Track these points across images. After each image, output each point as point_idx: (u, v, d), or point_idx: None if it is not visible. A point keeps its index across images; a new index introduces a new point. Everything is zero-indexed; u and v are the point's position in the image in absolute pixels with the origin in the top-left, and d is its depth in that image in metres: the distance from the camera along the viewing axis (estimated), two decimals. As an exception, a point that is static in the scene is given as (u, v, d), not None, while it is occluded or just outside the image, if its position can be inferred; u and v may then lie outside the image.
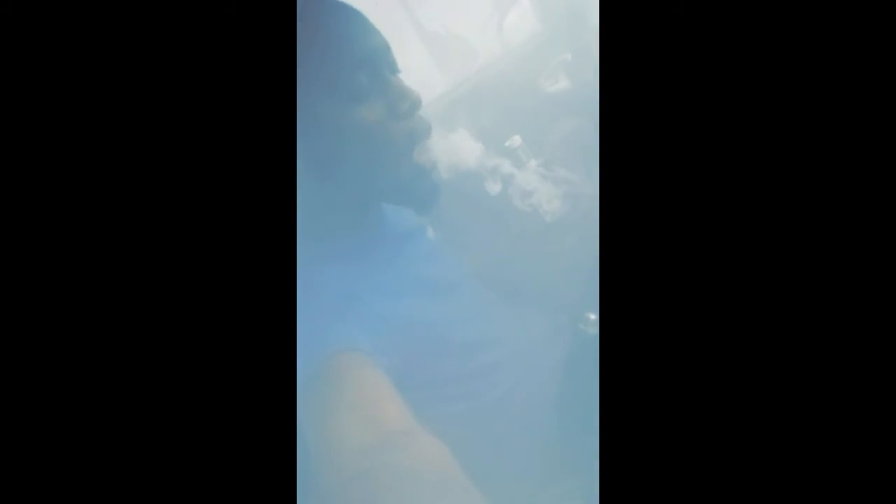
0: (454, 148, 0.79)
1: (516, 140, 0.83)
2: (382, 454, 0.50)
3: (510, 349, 0.74)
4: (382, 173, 0.67)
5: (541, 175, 0.78)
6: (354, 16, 0.67)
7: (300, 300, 0.61)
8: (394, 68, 0.68)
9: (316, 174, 0.67)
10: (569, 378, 0.73)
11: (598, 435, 0.43)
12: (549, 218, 0.74)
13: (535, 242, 0.79)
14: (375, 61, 0.66)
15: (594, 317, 0.72)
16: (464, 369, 0.71)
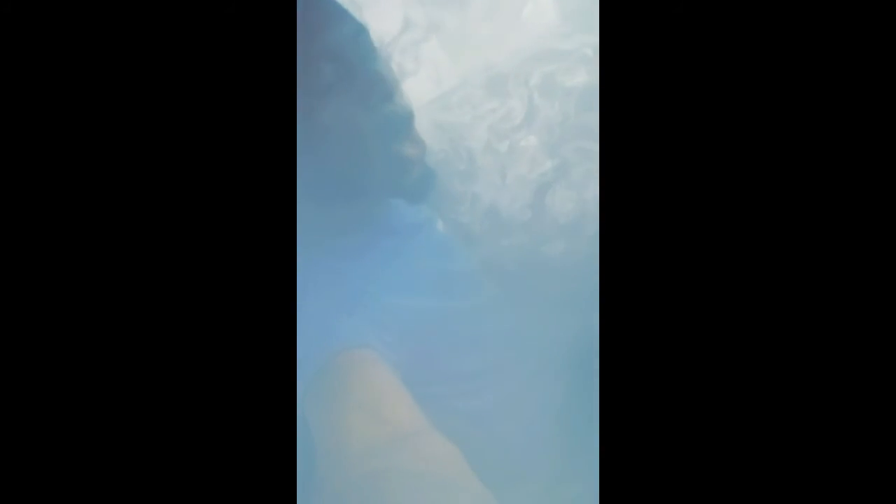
0: (465, 142, 0.79)
1: (531, 140, 0.83)
2: (392, 455, 0.50)
3: (519, 347, 0.74)
4: (365, 169, 0.67)
5: (555, 176, 0.77)
6: (324, 3, 0.66)
7: (308, 297, 0.62)
8: (369, 55, 0.67)
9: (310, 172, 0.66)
10: (579, 377, 0.73)
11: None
12: (562, 220, 0.74)
13: (548, 242, 0.78)
14: (344, 50, 0.64)
15: None
16: (473, 366, 0.70)
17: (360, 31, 0.67)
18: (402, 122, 0.68)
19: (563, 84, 1.02)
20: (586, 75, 1.02)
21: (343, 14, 0.67)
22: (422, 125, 0.88)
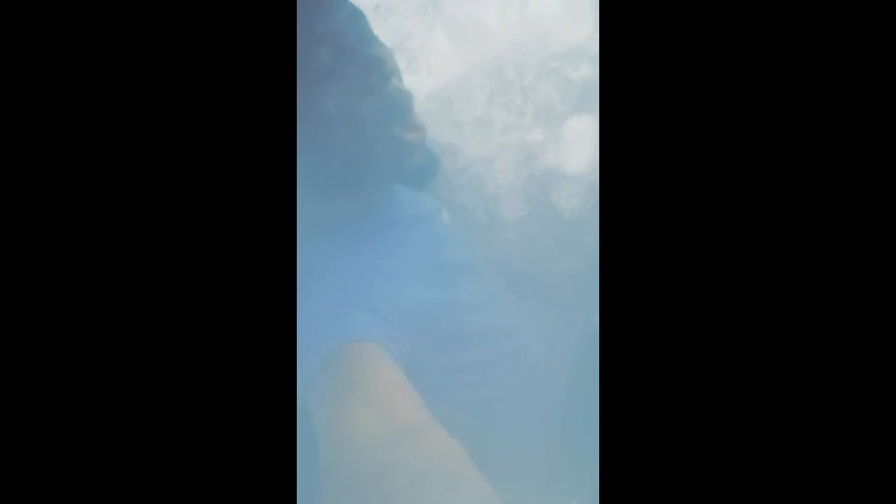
0: (471, 134, 0.79)
1: (538, 135, 0.82)
2: (395, 450, 0.50)
3: (522, 338, 0.74)
4: (365, 154, 0.66)
5: (561, 170, 0.77)
6: None
7: (313, 289, 0.62)
8: (365, 39, 0.66)
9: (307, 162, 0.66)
10: (580, 369, 0.73)
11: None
12: (567, 216, 0.74)
13: (553, 236, 0.78)
14: (341, 34, 0.63)
15: None
16: (476, 357, 0.71)
17: (357, 14, 0.66)
18: (402, 106, 0.67)
19: (567, 76, 1.02)
20: (591, 68, 1.01)
21: None
22: (427, 116, 0.88)
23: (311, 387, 0.57)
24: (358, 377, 0.57)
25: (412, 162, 0.68)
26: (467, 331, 0.71)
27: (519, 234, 0.83)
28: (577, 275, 0.78)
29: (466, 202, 0.80)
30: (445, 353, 0.68)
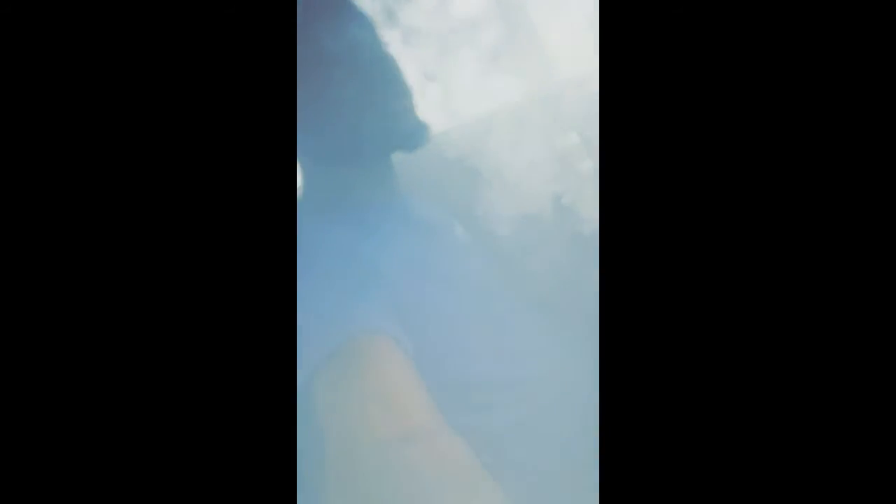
0: (497, 153, 0.79)
1: (572, 138, 0.82)
2: (403, 449, 0.50)
3: (541, 364, 0.72)
4: (358, 128, 0.68)
5: (582, 182, 0.77)
6: None
7: (324, 278, 0.62)
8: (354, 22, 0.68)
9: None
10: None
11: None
12: (586, 227, 0.73)
13: (574, 251, 0.77)
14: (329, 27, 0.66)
15: None
16: (491, 378, 0.68)
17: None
18: (387, 76, 0.69)
19: (592, 91, 1.01)
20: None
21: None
22: (458, 139, 0.89)
23: (318, 378, 0.56)
24: (367, 370, 0.56)
25: (403, 129, 0.69)
26: (484, 349, 0.69)
27: (539, 254, 0.83)
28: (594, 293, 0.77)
29: (486, 218, 0.81)
30: (458, 368, 0.66)
